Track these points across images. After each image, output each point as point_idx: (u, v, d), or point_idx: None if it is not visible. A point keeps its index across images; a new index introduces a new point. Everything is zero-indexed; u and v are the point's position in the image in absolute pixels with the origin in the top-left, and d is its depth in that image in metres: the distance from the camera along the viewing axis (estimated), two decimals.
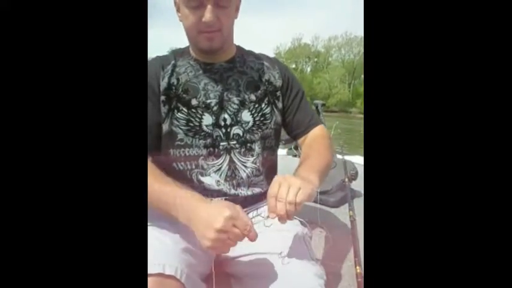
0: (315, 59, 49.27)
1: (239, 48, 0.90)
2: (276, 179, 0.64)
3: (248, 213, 0.86)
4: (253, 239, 0.58)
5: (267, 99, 0.85)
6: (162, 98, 0.78)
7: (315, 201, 1.50)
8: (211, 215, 0.57)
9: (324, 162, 0.79)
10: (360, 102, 38.70)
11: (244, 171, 0.81)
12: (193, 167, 0.79)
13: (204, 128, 0.79)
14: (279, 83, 0.87)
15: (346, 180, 1.34)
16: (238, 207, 0.59)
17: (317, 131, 0.89)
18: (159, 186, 0.66)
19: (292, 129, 0.90)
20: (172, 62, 0.82)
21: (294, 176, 0.68)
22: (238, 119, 0.81)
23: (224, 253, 0.62)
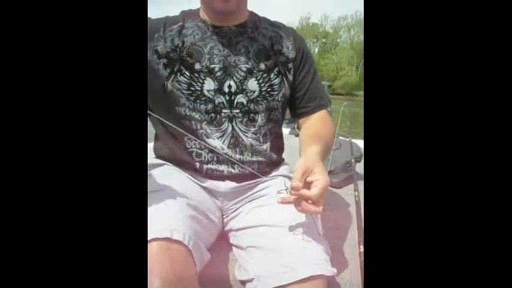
0: (323, 40, 48.25)
1: (252, 13, 0.86)
2: (301, 167, 0.62)
3: (258, 184, 0.85)
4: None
5: (277, 69, 0.82)
6: (164, 60, 0.77)
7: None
8: None
9: (329, 144, 0.79)
10: None
11: (248, 138, 0.81)
12: (198, 127, 0.79)
13: (206, 93, 0.77)
14: (291, 54, 0.84)
15: (352, 161, 1.33)
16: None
17: (323, 114, 0.88)
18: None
19: (299, 105, 0.87)
20: (180, 23, 0.80)
21: (308, 154, 0.68)
22: (244, 87, 0.78)
23: None
